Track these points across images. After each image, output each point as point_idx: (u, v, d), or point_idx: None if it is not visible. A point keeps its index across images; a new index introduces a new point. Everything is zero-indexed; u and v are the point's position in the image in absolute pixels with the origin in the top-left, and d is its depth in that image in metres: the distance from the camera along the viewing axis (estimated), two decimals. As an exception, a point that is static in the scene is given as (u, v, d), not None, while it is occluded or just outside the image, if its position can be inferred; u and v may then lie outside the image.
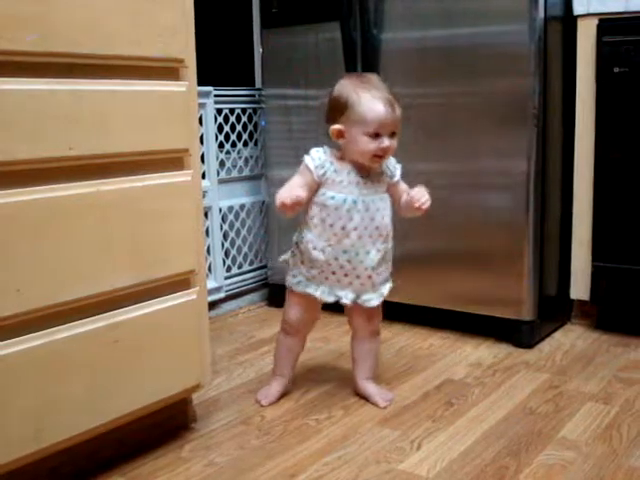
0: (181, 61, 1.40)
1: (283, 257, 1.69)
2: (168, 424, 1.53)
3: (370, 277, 1.58)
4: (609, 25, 1.98)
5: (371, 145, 1.51)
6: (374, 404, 1.65)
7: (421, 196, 1.55)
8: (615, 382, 1.78)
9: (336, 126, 1.54)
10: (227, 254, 2.47)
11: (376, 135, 1.51)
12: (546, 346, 2.05)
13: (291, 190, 1.50)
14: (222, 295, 2.41)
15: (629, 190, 2.01)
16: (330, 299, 1.60)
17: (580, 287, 2.14)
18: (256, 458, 1.43)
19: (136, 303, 1.35)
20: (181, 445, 1.49)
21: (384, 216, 1.57)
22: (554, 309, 2.17)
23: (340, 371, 1.88)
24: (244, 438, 1.52)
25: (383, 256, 1.59)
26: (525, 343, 2.03)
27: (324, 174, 1.55)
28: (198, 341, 1.49)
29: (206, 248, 2.33)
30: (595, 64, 2.02)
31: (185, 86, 1.40)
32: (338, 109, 1.54)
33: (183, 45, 1.40)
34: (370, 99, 1.51)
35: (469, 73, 2.00)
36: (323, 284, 1.59)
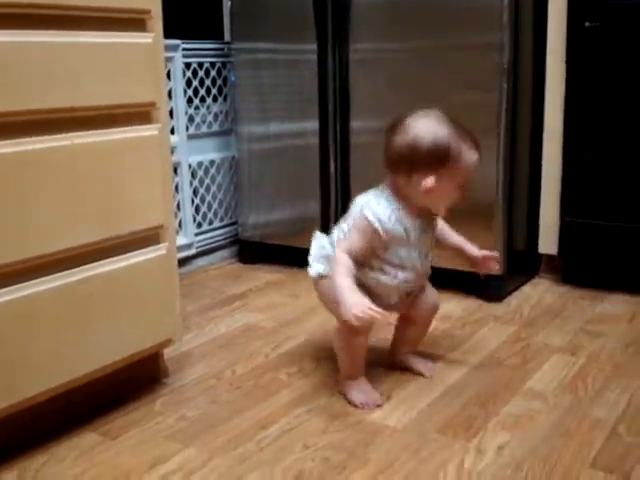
0: (147, 12, 1.37)
1: (316, 271, 1.49)
2: (140, 379, 1.53)
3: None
4: (580, -22, 1.98)
5: (456, 196, 1.42)
6: (419, 374, 1.58)
7: (495, 264, 1.55)
8: (582, 334, 1.81)
9: (431, 182, 1.36)
10: (197, 210, 2.46)
11: (462, 184, 1.41)
12: (514, 300, 2.07)
13: (362, 300, 1.31)
14: (193, 251, 2.41)
15: (598, 145, 2.02)
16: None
17: (548, 242, 2.16)
18: (227, 411, 1.44)
19: (105, 258, 1.34)
20: (153, 400, 1.50)
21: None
22: (523, 263, 2.19)
23: (310, 325, 1.89)
24: (215, 392, 1.53)
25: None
26: (494, 297, 2.05)
27: (393, 236, 1.40)
28: (168, 296, 1.48)
29: (176, 204, 2.31)
30: (566, 18, 2.01)
31: (151, 37, 1.38)
32: (434, 160, 1.36)
33: (149, -5, 1.37)
34: (468, 148, 1.39)
35: (440, 27, 1.98)
36: None
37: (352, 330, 1.41)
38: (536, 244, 2.19)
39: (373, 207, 1.40)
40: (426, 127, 1.38)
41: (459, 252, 1.58)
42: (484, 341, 1.77)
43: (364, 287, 1.42)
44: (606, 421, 1.38)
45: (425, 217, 1.45)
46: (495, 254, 1.57)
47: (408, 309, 1.56)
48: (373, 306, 1.30)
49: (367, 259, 1.43)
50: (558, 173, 2.10)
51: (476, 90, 1.95)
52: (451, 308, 2.00)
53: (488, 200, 1.98)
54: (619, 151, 1.99)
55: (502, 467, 1.24)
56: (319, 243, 1.51)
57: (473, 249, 1.56)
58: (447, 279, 2.06)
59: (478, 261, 1.56)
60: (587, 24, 1.97)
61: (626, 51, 1.93)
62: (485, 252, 1.55)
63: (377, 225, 1.39)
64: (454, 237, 1.58)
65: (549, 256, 2.22)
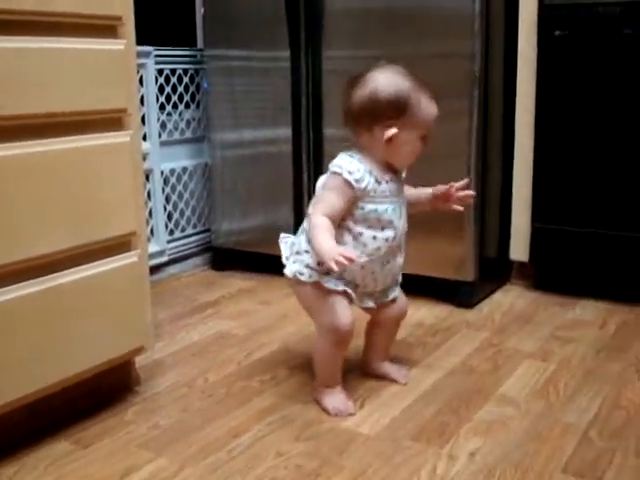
0: (119, 18, 1.37)
1: (293, 270, 1.46)
2: (111, 387, 1.52)
3: (396, 276, 1.54)
4: (550, -12, 2.00)
5: (418, 149, 1.43)
6: (394, 381, 1.58)
7: (469, 192, 1.53)
8: (552, 340, 1.82)
9: (393, 131, 1.38)
10: (170, 217, 2.44)
11: (424, 136, 1.43)
12: (486, 306, 2.09)
13: (336, 248, 1.32)
14: (165, 259, 2.39)
15: (568, 153, 2.04)
16: (365, 305, 1.50)
17: (520, 248, 2.18)
18: (200, 420, 1.44)
19: (76, 265, 1.33)
20: (125, 408, 1.49)
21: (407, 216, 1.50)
22: (494, 270, 2.21)
23: (283, 332, 1.89)
24: (187, 400, 1.52)
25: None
26: (466, 303, 2.06)
27: (365, 188, 1.40)
28: (140, 304, 1.47)
29: (148, 211, 2.30)
30: (537, 27, 2.03)
31: (123, 44, 1.37)
32: (395, 111, 1.38)
33: (120, 2, 1.36)
34: (428, 100, 1.41)
35: (412, 35, 1.99)
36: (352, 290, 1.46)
37: (336, 339, 1.43)
38: (507, 251, 2.20)
39: (341, 163, 1.41)
40: (386, 79, 1.40)
41: (431, 200, 1.55)
42: (456, 347, 1.78)
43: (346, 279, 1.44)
44: (578, 426, 1.39)
45: (392, 173, 1.45)
46: (467, 181, 1.54)
47: (377, 313, 1.55)
48: (348, 253, 1.30)
49: (344, 229, 1.42)
50: (529, 180, 2.12)
51: (448, 98, 1.95)
52: (423, 315, 2.00)
53: (460, 207, 1.99)
54: (589, 158, 2.01)
55: (474, 473, 1.24)
56: (288, 242, 1.50)
57: (442, 187, 1.54)
58: (419, 286, 2.07)
59: (452, 195, 1.53)
60: (557, 33, 2.00)
61: (595, 59, 1.96)
62: (457, 184, 1.53)
63: (347, 176, 1.38)
64: (420, 190, 1.55)
65: (520, 262, 2.23)
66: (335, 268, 1.29)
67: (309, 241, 1.40)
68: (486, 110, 2.01)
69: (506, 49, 2.10)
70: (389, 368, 1.61)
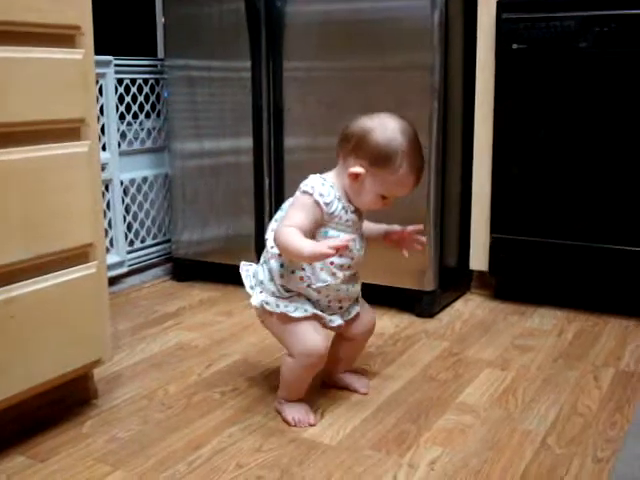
0: (77, 28, 1.36)
1: (259, 300, 1.44)
2: (69, 400, 1.50)
3: (354, 299, 1.54)
4: (508, 2, 2.02)
5: (376, 204, 1.43)
6: (354, 391, 1.59)
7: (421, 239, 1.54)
8: (512, 349, 1.84)
9: (358, 170, 1.38)
10: (130, 228, 2.42)
11: (384, 197, 1.43)
12: (446, 315, 2.10)
13: (319, 242, 1.34)
14: (124, 269, 2.37)
15: (526, 165, 2.07)
16: (334, 324, 1.47)
17: (479, 258, 2.20)
18: (159, 432, 1.42)
19: (32, 277, 1.31)
20: (82, 421, 1.47)
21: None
22: (454, 280, 2.23)
23: (244, 344, 1.88)
24: (147, 412, 1.51)
25: None
26: (426, 313, 2.08)
27: (333, 212, 1.39)
28: (98, 316, 1.46)
29: (107, 222, 2.28)
30: (495, 40, 2.06)
31: (81, 54, 1.36)
32: (373, 157, 1.38)
33: (79, 11, 1.35)
34: (409, 170, 1.38)
35: (372, 47, 2.01)
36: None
37: (309, 362, 1.42)
38: (467, 261, 2.23)
39: (313, 184, 1.40)
40: (388, 127, 1.39)
41: (384, 238, 1.56)
42: (416, 357, 1.79)
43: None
44: (536, 433, 1.41)
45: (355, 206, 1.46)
46: (420, 226, 1.54)
47: (346, 330, 1.54)
48: (332, 242, 1.31)
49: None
50: (488, 191, 2.15)
51: (407, 109, 1.97)
52: (384, 324, 2.01)
53: (420, 217, 2.00)
54: (546, 169, 2.05)
55: (434, 482, 1.25)
56: (250, 271, 1.50)
57: (397, 227, 1.55)
58: (380, 295, 2.08)
59: (404, 239, 1.54)
60: (515, 46, 2.03)
61: (552, 72, 1.99)
62: (411, 227, 1.54)
63: (318, 197, 1.38)
64: (377, 225, 1.56)
65: (480, 272, 2.25)
66: (332, 252, 1.29)
67: (280, 252, 1.39)
68: (445, 121, 2.03)
69: (465, 62, 2.12)
70: (350, 379, 1.61)
